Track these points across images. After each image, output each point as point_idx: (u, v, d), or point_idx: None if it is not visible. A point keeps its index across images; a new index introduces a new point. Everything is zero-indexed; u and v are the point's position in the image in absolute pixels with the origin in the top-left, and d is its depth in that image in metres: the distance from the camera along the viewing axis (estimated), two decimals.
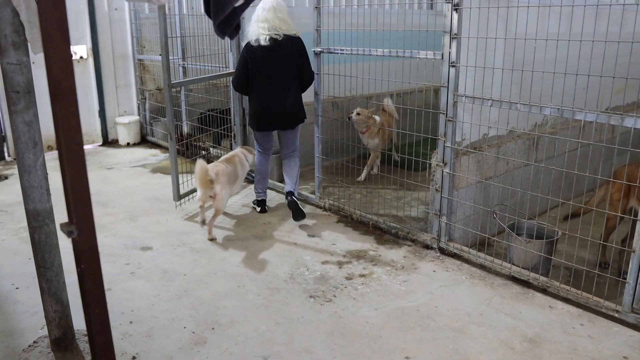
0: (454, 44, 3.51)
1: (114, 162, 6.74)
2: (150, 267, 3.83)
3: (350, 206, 4.71)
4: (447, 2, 3.47)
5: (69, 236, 1.55)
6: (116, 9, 7.38)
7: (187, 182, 5.06)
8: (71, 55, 1.50)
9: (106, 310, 1.72)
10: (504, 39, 3.57)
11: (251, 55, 4.33)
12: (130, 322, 3.13)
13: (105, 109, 7.56)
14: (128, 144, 7.51)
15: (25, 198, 2.56)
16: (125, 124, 7.44)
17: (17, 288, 3.59)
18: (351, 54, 4.23)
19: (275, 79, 4.36)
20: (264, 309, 3.27)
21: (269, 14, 4.27)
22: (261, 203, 4.89)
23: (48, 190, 2.66)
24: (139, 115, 7.74)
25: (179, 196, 4.75)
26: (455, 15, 3.47)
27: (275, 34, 4.27)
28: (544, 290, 3.37)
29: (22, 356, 2.79)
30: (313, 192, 5.01)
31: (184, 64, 6.41)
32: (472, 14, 3.47)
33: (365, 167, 5.77)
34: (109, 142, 7.70)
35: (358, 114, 5.54)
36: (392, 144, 6.33)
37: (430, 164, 3.87)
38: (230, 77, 4.99)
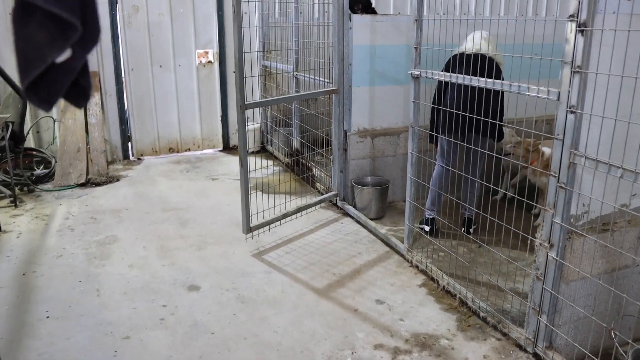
0: (575, 80, 2.46)
1: (223, 171, 6.50)
2: (183, 315, 3.37)
3: (445, 264, 3.79)
4: (571, 20, 2.44)
5: None
6: (246, 13, 7.13)
7: (264, 212, 4.53)
8: None
9: None
10: None
11: None
12: None
13: (228, 114, 7.40)
14: (247, 151, 7.26)
15: None
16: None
17: (47, 317, 3.37)
18: (450, 79, 3.32)
19: None
20: None
21: None
22: (431, 222, 4.43)
23: None
24: (260, 123, 7.46)
25: (248, 228, 4.24)
26: (580, 40, 2.42)
27: None
28: None
29: None
30: (402, 239, 4.17)
31: (297, 75, 5.91)
32: (606, 39, 2.39)
33: (508, 188, 4.78)
34: (229, 147, 7.54)
35: (515, 146, 4.60)
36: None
37: (531, 240, 2.84)
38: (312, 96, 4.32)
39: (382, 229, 4.55)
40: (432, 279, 3.76)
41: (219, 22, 7.07)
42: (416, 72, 3.62)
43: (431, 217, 4.36)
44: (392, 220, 4.92)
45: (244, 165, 4.05)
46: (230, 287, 3.71)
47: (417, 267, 3.95)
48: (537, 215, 4.84)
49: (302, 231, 4.67)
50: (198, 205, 5.32)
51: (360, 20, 4.83)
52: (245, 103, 3.96)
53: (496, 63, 4.08)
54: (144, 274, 3.91)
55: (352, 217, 4.94)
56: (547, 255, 2.70)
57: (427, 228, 4.38)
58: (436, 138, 4.29)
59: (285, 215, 4.57)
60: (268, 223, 4.44)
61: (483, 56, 3.94)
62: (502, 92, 4.08)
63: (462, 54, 3.99)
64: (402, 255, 4.15)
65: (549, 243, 2.69)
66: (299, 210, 4.73)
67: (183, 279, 3.84)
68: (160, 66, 6.97)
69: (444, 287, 3.61)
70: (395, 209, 5.19)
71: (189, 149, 7.38)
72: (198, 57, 7.14)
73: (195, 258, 4.17)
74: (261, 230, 4.42)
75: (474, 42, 4.06)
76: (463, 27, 3.56)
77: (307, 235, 4.59)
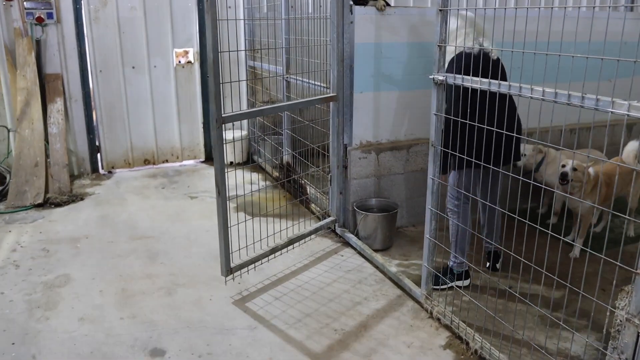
0: None
1: (204, 187, 5.69)
2: None
3: (472, 313, 3.02)
4: None
5: None
6: (230, 7, 6.33)
7: (249, 246, 3.72)
8: None
9: None
10: None
11: None
12: None
13: (211, 120, 6.59)
14: (231, 163, 6.46)
15: None
16: (229, 141, 6.36)
17: None
18: (489, 88, 2.53)
19: None
20: None
21: None
22: (467, 274, 3.62)
23: None
24: (248, 131, 6.66)
25: (228, 270, 3.44)
26: None
27: None
28: None
29: None
30: (419, 283, 3.38)
31: (287, 77, 5.11)
32: None
33: (577, 239, 4.05)
34: (212, 158, 6.71)
35: (575, 169, 3.80)
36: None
37: (612, 311, 2.07)
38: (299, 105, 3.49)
39: (392, 266, 3.77)
40: (459, 337, 2.99)
41: (199, 18, 6.25)
42: (440, 77, 2.84)
43: (466, 269, 3.57)
44: (401, 251, 4.14)
45: (221, 193, 3.25)
46: (204, 352, 2.91)
47: (438, 319, 3.17)
48: (571, 244, 4.10)
49: (295, 267, 3.88)
50: (172, 232, 4.51)
51: (363, 13, 4.04)
52: (223, 116, 3.17)
53: (501, 63, 3.36)
54: (96, 331, 3.11)
55: (354, 248, 4.15)
56: (639, 335, 1.94)
57: (465, 283, 3.56)
58: (456, 167, 3.37)
59: (273, 251, 3.78)
60: (253, 261, 3.64)
61: (486, 54, 3.21)
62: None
63: (479, 54, 3.16)
64: (417, 302, 3.37)
65: (638, 319, 1.93)
66: (291, 242, 3.93)
67: (145, 338, 3.03)
68: (133, 67, 6.15)
69: (475, 350, 2.84)
70: (405, 236, 4.41)
71: (167, 160, 6.56)
72: (176, 57, 6.31)
73: (163, 307, 3.37)
74: (245, 269, 3.63)
75: (484, 35, 3.30)
76: (496, 21, 2.76)
77: (300, 273, 3.80)
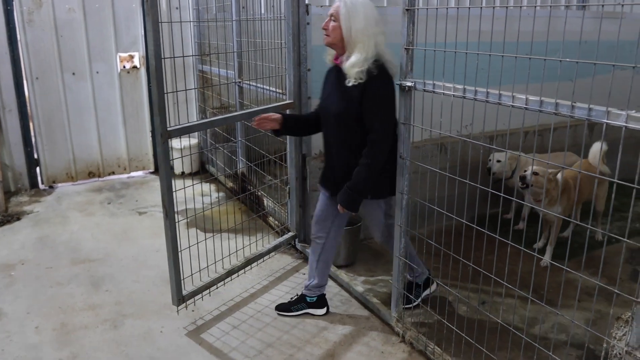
0: None
1: (153, 201, 5.32)
2: None
3: (447, 333, 2.81)
4: None
5: None
6: (177, 8, 5.97)
7: (203, 270, 3.41)
8: None
9: None
10: None
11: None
12: None
13: (155, 135, 6.20)
14: (183, 173, 6.10)
15: None
16: (179, 150, 6.02)
17: None
18: (464, 97, 2.31)
19: None
20: None
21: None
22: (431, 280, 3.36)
23: None
24: (199, 138, 6.31)
25: (180, 298, 3.12)
26: None
27: None
28: None
29: None
30: (388, 303, 3.15)
31: (240, 82, 4.80)
32: None
33: (548, 245, 3.92)
34: None
35: (536, 173, 3.66)
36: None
37: (611, 346, 1.88)
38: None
39: (357, 284, 3.54)
40: None
41: (145, 20, 5.86)
42: (408, 83, 2.61)
43: (427, 275, 3.33)
44: (366, 266, 3.90)
45: (169, 215, 2.92)
46: None
47: (411, 344, 2.94)
48: (541, 250, 3.97)
49: (254, 290, 3.59)
50: (118, 254, 4.14)
51: (320, 12, 3.78)
52: (169, 129, 2.86)
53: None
54: None
55: None
56: None
57: (433, 288, 3.34)
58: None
59: (230, 273, 3.48)
60: (207, 286, 3.33)
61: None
62: None
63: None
64: (387, 324, 3.14)
65: None
66: (248, 262, 3.64)
67: None
68: (73, 74, 5.71)
69: None
70: (369, 249, 4.17)
71: (113, 172, 6.14)
72: (120, 61, 5.91)
73: (108, 343, 3.02)
74: (199, 295, 3.31)
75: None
76: (471, 22, 2.55)
77: (260, 296, 3.51)
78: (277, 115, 3.05)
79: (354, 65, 2.62)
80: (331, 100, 2.84)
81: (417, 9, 2.48)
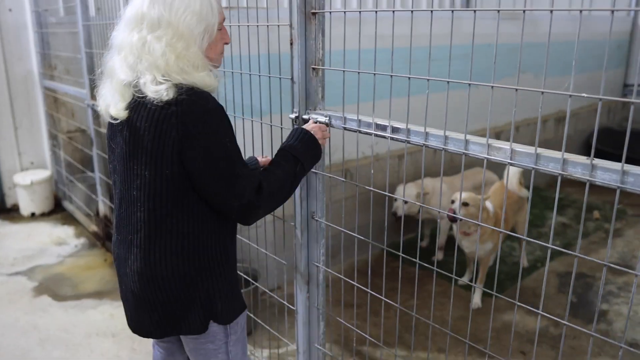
0: None
1: None
2: None
3: None
4: None
5: None
6: (10, 10, 4.81)
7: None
8: None
9: None
10: None
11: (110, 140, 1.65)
12: None
13: (0, 158, 5.01)
14: (33, 214, 4.95)
15: None
16: (26, 186, 4.86)
17: None
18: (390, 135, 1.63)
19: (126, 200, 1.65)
20: None
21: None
22: None
23: None
24: (52, 169, 5.18)
25: None
26: None
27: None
28: None
29: None
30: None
31: (94, 105, 3.83)
32: None
33: (477, 285, 3.34)
34: (6, 209, 5.13)
35: (466, 203, 3.02)
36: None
37: None
38: None
39: None
40: None
41: None
42: (321, 118, 1.87)
43: None
44: (268, 334, 3.12)
45: None
46: None
47: None
48: (466, 287, 3.46)
49: None
50: None
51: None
52: None
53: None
54: None
55: None
56: None
57: None
58: None
59: None
60: None
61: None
62: None
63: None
64: None
65: None
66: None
67: None
68: None
69: None
70: (272, 306, 3.40)
71: None
72: None
73: None
74: None
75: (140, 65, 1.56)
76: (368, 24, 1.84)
77: None
78: None
79: None
80: None
81: (329, 11, 1.75)
